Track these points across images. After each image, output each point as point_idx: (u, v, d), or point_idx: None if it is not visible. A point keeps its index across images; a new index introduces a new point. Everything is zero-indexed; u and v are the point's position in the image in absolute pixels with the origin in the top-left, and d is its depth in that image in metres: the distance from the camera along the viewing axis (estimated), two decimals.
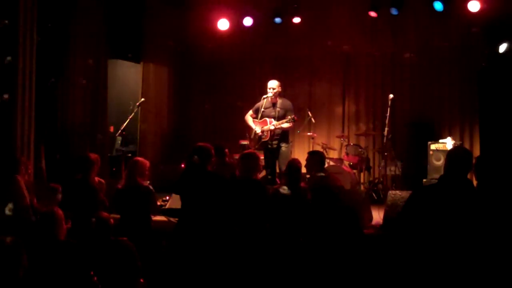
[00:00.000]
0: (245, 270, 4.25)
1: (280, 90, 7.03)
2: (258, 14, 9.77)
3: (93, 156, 5.34)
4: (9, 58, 5.78)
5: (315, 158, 5.59)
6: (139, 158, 5.26)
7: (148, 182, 5.20)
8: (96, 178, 5.41)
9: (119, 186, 5.10)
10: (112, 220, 4.03)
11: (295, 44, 9.79)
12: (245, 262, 4.30)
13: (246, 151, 5.23)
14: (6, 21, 5.78)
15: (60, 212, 3.83)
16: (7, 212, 4.50)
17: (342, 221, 3.88)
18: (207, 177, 4.58)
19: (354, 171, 8.34)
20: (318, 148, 8.83)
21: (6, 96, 5.69)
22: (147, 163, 5.13)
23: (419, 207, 3.31)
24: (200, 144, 4.74)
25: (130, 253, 3.17)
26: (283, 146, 6.95)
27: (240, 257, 4.33)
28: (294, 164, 5.06)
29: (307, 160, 5.60)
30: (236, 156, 8.18)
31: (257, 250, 4.43)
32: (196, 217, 4.48)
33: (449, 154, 3.42)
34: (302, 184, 4.96)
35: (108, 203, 5.23)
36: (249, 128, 7.19)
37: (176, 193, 5.22)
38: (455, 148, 6.90)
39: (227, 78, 10.35)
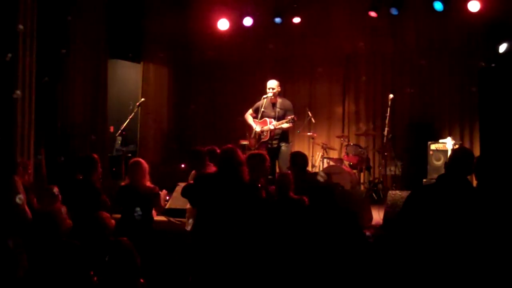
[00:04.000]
0: (246, 271, 4.24)
1: (279, 90, 7.04)
2: (258, 14, 9.78)
3: (96, 156, 5.33)
4: (10, 55, 5.77)
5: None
6: (141, 159, 5.24)
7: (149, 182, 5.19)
8: None
9: (123, 184, 5.09)
10: (113, 221, 4.02)
11: (295, 44, 9.79)
12: (245, 263, 4.28)
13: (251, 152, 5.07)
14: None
15: (64, 209, 3.81)
16: (17, 200, 4.43)
17: (341, 223, 3.87)
18: (244, 190, 4.11)
19: (354, 171, 8.34)
20: (318, 148, 8.86)
21: None
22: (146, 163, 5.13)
23: (418, 207, 3.31)
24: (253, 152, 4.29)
25: (129, 253, 3.17)
26: (283, 146, 6.95)
27: (240, 258, 4.32)
28: (285, 177, 4.67)
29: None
30: None
31: (259, 253, 4.41)
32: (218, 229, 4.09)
33: (452, 153, 3.54)
34: (291, 194, 4.55)
35: (109, 203, 5.22)
36: (249, 128, 7.19)
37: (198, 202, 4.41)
38: (458, 148, 6.91)
39: (227, 78, 10.33)
